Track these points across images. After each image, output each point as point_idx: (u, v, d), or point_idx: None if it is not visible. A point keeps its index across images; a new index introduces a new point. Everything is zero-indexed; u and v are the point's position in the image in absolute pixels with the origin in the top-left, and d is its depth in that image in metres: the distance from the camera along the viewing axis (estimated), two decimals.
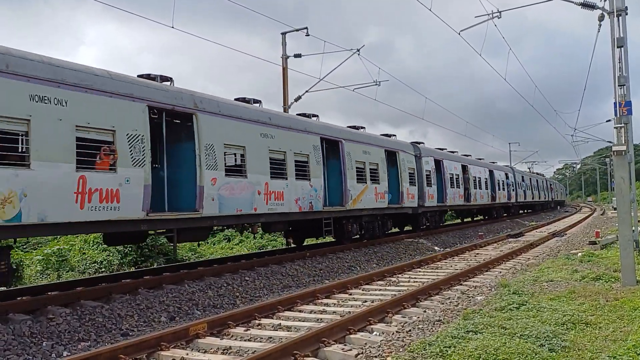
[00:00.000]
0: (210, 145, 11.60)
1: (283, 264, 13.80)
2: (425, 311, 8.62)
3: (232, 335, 7.56)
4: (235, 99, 13.96)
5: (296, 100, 23.00)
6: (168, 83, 11.31)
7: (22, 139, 8.54)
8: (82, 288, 10.39)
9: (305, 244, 18.74)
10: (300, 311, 9.14)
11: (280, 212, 14.03)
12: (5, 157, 8.09)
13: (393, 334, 6.96)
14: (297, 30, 22.30)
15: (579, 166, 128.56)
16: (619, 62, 12.20)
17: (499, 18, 16.79)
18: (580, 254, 14.15)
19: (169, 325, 8.70)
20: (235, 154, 12.96)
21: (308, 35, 21.64)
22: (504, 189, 36.91)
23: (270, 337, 7.31)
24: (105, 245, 16.93)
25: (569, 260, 13.05)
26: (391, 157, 20.33)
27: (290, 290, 11.77)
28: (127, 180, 9.71)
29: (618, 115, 11.02)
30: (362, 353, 6.18)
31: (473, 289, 10.36)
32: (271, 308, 8.93)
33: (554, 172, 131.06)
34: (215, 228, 21.14)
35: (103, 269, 16.65)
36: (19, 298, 9.51)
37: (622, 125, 10.84)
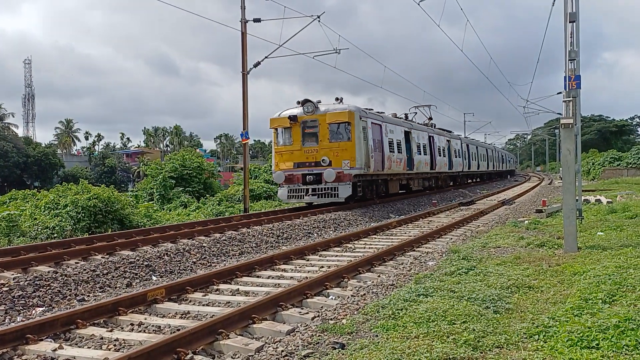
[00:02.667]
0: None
1: (239, 229, 13.88)
2: (379, 276, 8.90)
3: (191, 300, 7.64)
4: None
5: (255, 66, 22.70)
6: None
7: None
8: (34, 254, 10.21)
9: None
10: (258, 277, 9.29)
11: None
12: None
13: (348, 297, 7.20)
14: None
15: (529, 137, 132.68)
16: (571, 37, 12.58)
17: None
18: (527, 221, 14.79)
19: (126, 291, 8.70)
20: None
21: None
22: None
23: (229, 302, 7.43)
24: (57, 211, 17.01)
25: (516, 227, 13.62)
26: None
27: (248, 256, 11.88)
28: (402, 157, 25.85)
29: (567, 89, 11.44)
30: (318, 316, 6.37)
31: (425, 254, 10.73)
32: (229, 273, 9.03)
33: (506, 142, 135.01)
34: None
35: (55, 235, 16.32)
36: None
37: (571, 99, 11.26)
